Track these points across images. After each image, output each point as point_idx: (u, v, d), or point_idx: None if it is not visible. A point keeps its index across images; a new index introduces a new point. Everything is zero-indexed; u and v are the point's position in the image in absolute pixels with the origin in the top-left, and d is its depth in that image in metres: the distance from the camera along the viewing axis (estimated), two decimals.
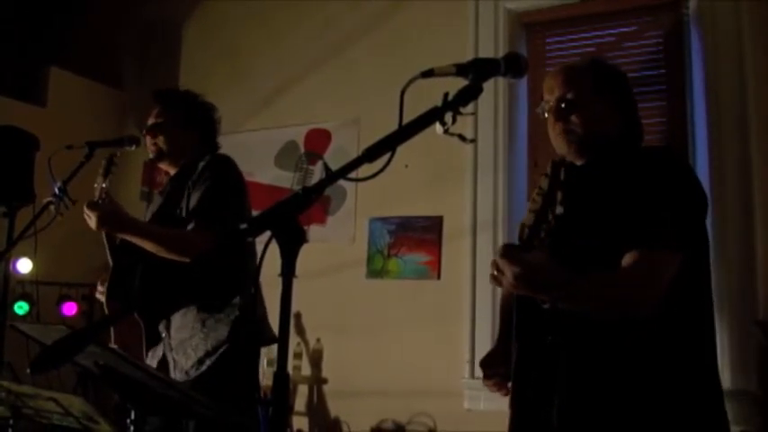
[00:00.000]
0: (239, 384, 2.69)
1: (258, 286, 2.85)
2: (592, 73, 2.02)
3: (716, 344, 1.93)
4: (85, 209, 2.68)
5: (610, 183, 1.91)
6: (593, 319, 1.83)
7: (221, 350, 2.72)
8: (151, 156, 2.97)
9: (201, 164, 2.85)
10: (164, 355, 2.82)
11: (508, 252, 1.73)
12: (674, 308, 1.80)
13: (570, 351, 1.87)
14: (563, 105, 1.98)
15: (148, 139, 2.95)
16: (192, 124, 2.97)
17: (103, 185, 2.80)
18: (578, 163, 2.02)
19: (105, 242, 2.83)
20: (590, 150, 1.98)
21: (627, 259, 1.78)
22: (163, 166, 3.01)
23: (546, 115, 2.04)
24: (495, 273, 1.75)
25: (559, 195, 1.79)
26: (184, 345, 2.77)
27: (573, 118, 1.97)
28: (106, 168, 2.85)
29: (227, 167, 2.88)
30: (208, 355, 2.72)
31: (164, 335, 2.82)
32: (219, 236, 2.65)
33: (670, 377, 1.81)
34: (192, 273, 2.65)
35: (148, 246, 2.67)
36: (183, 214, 2.78)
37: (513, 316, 2.04)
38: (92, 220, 2.66)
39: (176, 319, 2.80)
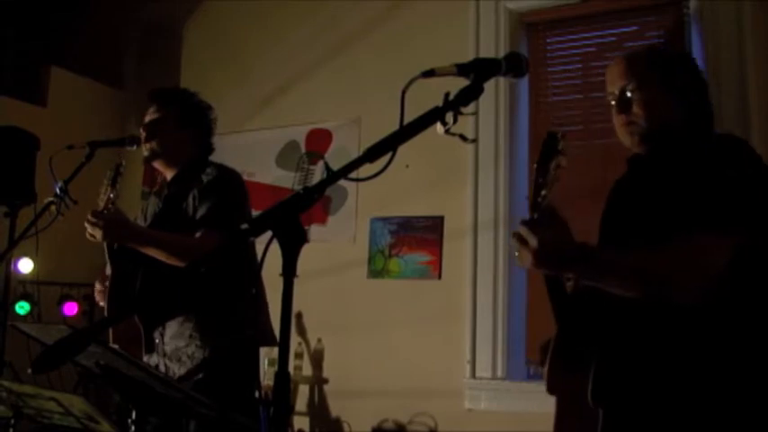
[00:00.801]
0: (238, 391, 2.67)
1: (262, 289, 2.84)
2: (653, 61, 1.98)
3: None
4: (90, 218, 2.63)
5: (668, 172, 1.85)
6: (635, 303, 1.75)
7: (219, 358, 2.71)
8: (145, 154, 2.94)
9: (208, 176, 2.83)
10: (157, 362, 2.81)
11: (528, 223, 1.68)
12: (732, 296, 1.70)
13: (606, 335, 1.82)
14: (624, 97, 1.95)
15: (143, 139, 2.93)
16: (187, 124, 2.93)
17: (111, 195, 2.74)
18: (643, 154, 1.98)
19: (105, 247, 2.81)
20: (653, 141, 1.94)
21: (687, 238, 1.69)
22: (156, 165, 2.97)
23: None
24: (519, 246, 1.68)
25: (553, 164, 1.71)
26: (179, 352, 2.75)
27: (635, 109, 1.93)
28: (113, 178, 2.79)
29: (235, 180, 2.89)
30: (205, 363, 2.71)
31: (157, 341, 2.81)
32: (222, 237, 2.64)
33: (722, 363, 1.71)
34: (191, 279, 2.63)
35: (155, 254, 2.65)
36: (187, 221, 2.76)
37: (551, 298, 1.96)
38: (96, 230, 2.61)
39: (172, 326, 2.78)
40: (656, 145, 1.94)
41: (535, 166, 1.74)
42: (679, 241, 1.69)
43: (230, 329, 2.74)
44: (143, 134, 2.93)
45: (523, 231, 1.66)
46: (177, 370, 2.74)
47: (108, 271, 2.86)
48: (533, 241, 1.63)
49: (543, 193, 1.70)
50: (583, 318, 1.90)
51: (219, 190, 2.80)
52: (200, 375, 2.70)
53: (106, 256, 2.81)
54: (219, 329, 2.74)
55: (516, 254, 1.70)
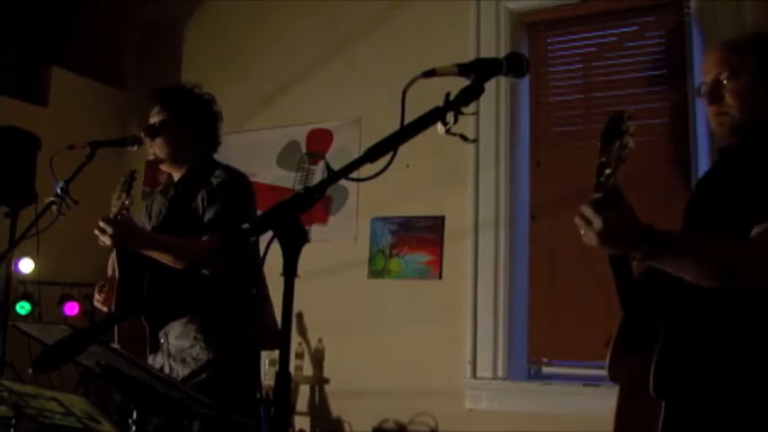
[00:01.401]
0: (240, 392, 2.67)
1: (266, 291, 2.84)
2: (750, 49, 1.91)
3: None
4: (100, 224, 2.63)
5: (757, 166, 1.80)
6: (695, 291, 1.71)
7: (222, 360, 2.72)
8: (150, 157, 2.95)
9: (217, 179, 2.83)
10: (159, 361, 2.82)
11: (594, 203, 1.64)
12: None
13: (670, 322, 1.78)
14: (715, 87, 1.90)
15: (147, 142, 2.93)
16: (188, 122, 2.93)
17: (126, 201, 2.73)
18: (731, 146, 1.95)
19: (114, 251, 2.80)
20: (744, 133, 1.89)
21: (754, 232, 1.66)
22: (164, 167, 2.99)
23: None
24: (583, 224, 1.65)
25: (617, 144, 1.67)
26: (183, 353, 2.76)
27: (727, 99, 1.89)
28: (128, 184, 2.78)
29: (243, 184, 2.90)
30: (209, 365, 2.72)
31: (162, 341, 2.81)
32: (225, 237, 2.64)
33: None
34: (196, 281, 2.62)
35: (163, 259, 2.65)
36: (196, 222, 2.76)
37: (616, 282, 1.92)
38: (106, 236, 2.62)
39: (176, 327, 2.79)
40: (748, 137, 1.89)
41: (599, 145, 1.70)
42: (757, 234, 1.65)
43: (234, 331, 2.75)
44: (145, 137, 2.92)
45: (587, 212, 1.63)
46: (181, 371, 2.74)
47: (109, 273, 2.87)
48: (597, 221, 1.60)
49: (608, 172, 1.66)
50: (648, 302, 1.85)
51: (228, 193, 2.80)
52: (204, 376, 2.70)
53: (114, 258, 2.81)
54: (223, 331, 2.75)
55: (582, 232, 1.66)
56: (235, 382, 2.69)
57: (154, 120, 2.93)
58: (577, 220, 1.66)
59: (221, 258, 2.57)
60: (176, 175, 2.98)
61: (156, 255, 2.66)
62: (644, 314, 1.86)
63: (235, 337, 2.74)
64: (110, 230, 2.60)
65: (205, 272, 2.58)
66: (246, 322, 2.77)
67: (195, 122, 2.94)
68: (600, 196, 1.64)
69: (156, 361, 2.81)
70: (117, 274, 2.78)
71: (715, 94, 1.91)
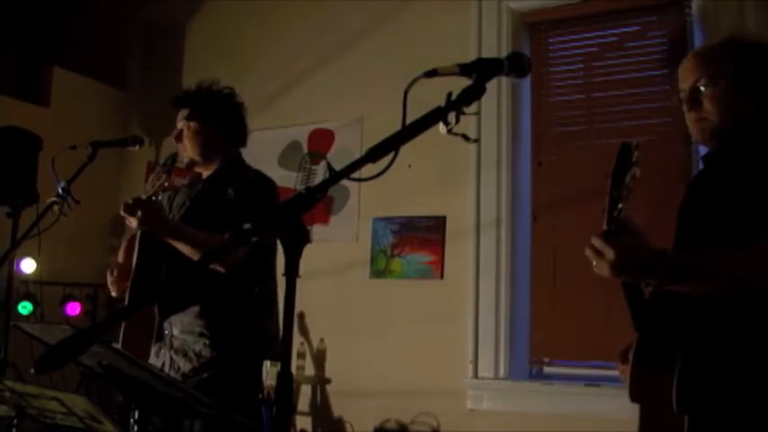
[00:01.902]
0: (241, 393, 2.66)
1: (275, 303, 2.84)
2: (727, 55, 1.92)
3: None
4: (131, 203, 2.59)
5: (744, 170, 1.81)
6: (713, 305, 1.73)
7: (223, 360, 2.72)
8: (185, 162, 2.93)
9: (247, 179, 2.86)
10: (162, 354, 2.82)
11: (604, 234, 1.67)
12: None
13: (690, 340, 1.78)
14: (694, 94, 1.92)
15: (179, 145, 2.94)
16: (216, 120, 2.95)
17: (165, 183, 2.70)
18: (713, 150, 1.96)
19: (137, 238, 2.78)
20: (724, 138, 1.90)
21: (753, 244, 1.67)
22: (198, 169, 2.99)
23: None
24: (594, 256, 1.67)
25: (628, 175, 1.69)
26: (186, 347, 2.76)
27: (705, 105, 1.90)
28: (169, 166, 2.75)
29: (271, 188, 2.91)
30: (210, 362, 2.72)
31: (167, 332, 2.82)
32: (228, 237, 2.64)
33: None
34: (211, 277, 2.61)
35: (187, 251, 2.63)
36: (222, 213, 2.76)
37: (629, 305, 1.93)
38: (133, 219, 2.58)
39: (184, 320, 2.79)
40: (729, 142, 1.90)
41: (609, 180, 1.72)
42: (759, 244, 1.66)
43: (240, 334, 2.75)
44: (177, 142, 2.93)
45: (598, 244, 1.66)
46: (182, 365, 2.74)
47: (120, 259, 2.87)
48: (610, 252, 1.63)
49: (620, 206, 1.68)
50: (662, 322, 1.87)
51: (254, 194, 2.82)
52: (205, 375, 2.70)
53: (125, 245, 2.79)
54: (229, 331, 2.75)
55: (594, 264, 1.69)
56: (238, 383, 2.69)
57: (180, 124, 2.95)
58: (588, 252, 1.69)
59: (236, 256, 2.59)
60: (206, 174, 2.98)
61: (178, 245, 2.64)
62: (659, 333, 1.87)
63: (239, 341, 2.74)
64: (139, 213, 2.56)
65: (219, 268, 2.59)
66: (253, 327, 2.77)
67: (221, 119, 2.97)
68: (610, 228, 1.67)
69: (160, 353, 2.81)
70: (135, 259, 2.76)
71: (694, 100, 1.92)
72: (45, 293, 4.43)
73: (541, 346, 3.88)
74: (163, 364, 2.77)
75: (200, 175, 3.02)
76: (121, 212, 2.61)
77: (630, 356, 1.91)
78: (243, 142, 3.05)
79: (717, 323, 1.76)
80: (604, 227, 1.68)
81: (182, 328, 2.79)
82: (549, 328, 3.82)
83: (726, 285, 1.70)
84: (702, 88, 1.90)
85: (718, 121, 1.88)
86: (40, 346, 1.87)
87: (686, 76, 1.95)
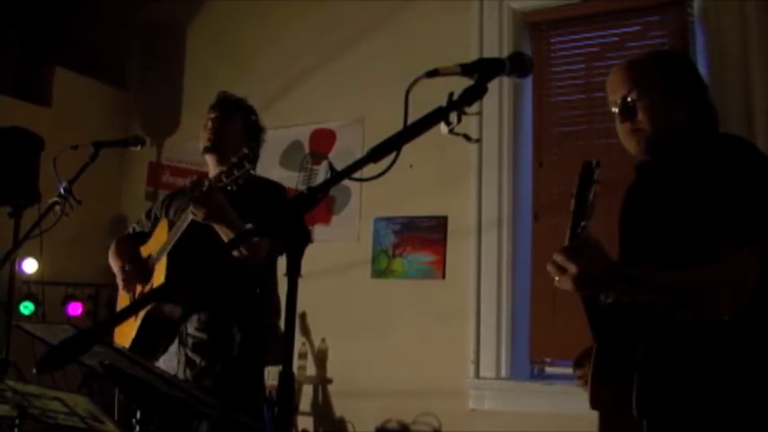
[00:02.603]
0: (249, 389, 2.69)
1: (278, 306, 2.85)
2: (655, 67, 1.99)
3: None
4: (203, 193, 2.58)
5: (678, 177, 1.87)
6: (669, 318, 1.80)
7: (234, 359, 2.74)
8: (207, 144, 2.93)
9: (263, 183, 2.90)
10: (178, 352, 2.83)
11: (566, 250, 1.73)
12: (758, 298, 1.73)
13: (648, 348, 1.84)
14: (627, 105, 1.97)
15: (207, 131, 2.94)
16: (250, 138, 2.99)
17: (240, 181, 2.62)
18: (649, 159, 2.00)
19: (183, 223, 2.75)
20: (659, 146, 1.95)
21: (713, 257, 1.72)
22: (208, 157, 2.98)
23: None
24: (557, 272, 1.73)
25: (591, 193, 1.76)
26: (203, 344, 2.78)
27: (639, 116, 1.95)
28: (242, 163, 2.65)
29: (283, 193, 2.96)
30: (224, 359, 2.74)
31: (183, 331, 2.82)
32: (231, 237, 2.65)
33: (759, 370, 1.74)
34: (232, 277, 2.61)
35: (227, 235, 2.63)
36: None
37: (588, 316, 2.00)
38: (200, 210, 2.58)
39: (200, 318, 2.80)
40: (663, 150, 1.95)
41: (573, 198, 1.79)
42: (718, 258, 1.71)
43: (253, 331, 2.77)
44: (210, 128, 2.93)
45: (560, 259, 1.72)
46: (199, 362, 2.77)
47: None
48: (572, 268, 1.70)
49: (583, 224, 1.75)
50: (621, 331, 1.92)
51: (276, 196, 2.87)
52: (218, 368, 2.73)
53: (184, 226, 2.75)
54: (243, 329, 2.77)
55: (556, 279, 1.74)
56: (244, 380, 2.72)
57: (218, 117, 2.97)
58: (550, 268, 1.75)
59: (264, 249, 2.62)
60: (213, 172, 2.95)
61: (226, 235, 2.64)
62: (617, 342, 1.93)
63: (252, 340, 2.77)
64: (204, 203, 2.57)
65: (249, 258, 2.61)
66: (265, 327, 2.80)
67: (253, 139, 3.01)
68: (571, 244, 1.73)
69: (177, 351, 2.82)
70: (169, 246, 2.75)
71: (628, 111, 1.97)
72: (47, 293, 4.43)
73: (543, 346, 3.88)
74: (178, 362, 2.78)
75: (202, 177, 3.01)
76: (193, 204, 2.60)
77: (590, 366, 1.96)
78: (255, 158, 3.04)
79: (674, 331, 1.82)
80: (566, 243, 1.75)
81: (196, 325, 2.80)
82: (551, 328, 3.82)
83: (678, 303, 1.77)
84: (635, 100, 1.95)
85: (652, 130, 1.94)
86: (42, 346, 1.87)
87: (616, 88, 2.01)
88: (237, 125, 2.98)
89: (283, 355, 1.34)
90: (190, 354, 2.78)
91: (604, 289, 1.77)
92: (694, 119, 1.96)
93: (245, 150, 2.57)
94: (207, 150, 2.95)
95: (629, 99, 1.96)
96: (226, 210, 2.63)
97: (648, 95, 1.95)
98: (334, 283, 4.21)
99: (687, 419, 1.78)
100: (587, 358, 2.25)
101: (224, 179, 2.53)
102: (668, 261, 1.77)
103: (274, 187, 2.96)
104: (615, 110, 2.00)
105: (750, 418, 1.72)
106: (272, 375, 3.69)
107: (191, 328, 2.81)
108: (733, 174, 1.77)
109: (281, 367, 1.33)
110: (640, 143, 1.96)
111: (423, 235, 4.13)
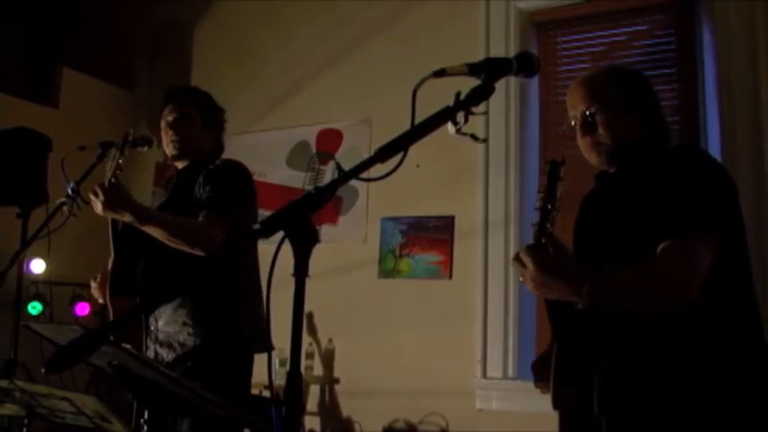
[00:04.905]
0: (227, 384, 2.61)
1: (259, 288, 2.83)
2: (611, 82, 2.06)
3: (762, 329, 1.88)
4: (95, 189, 2.59)
5: (634, 185, 1.95)
6: (631, 317, 1.83)
7: (209, 350, 2.71)
8: (173, 152, 2.93)
9: (216, 165, 2.86)
10: (148, 347, 2.81)
11: (530, 248, 1.76)
12: (714, 296, 1.77)
13: (609, 349, 1.90)
14: (588, 120, 2.03)
15: (170, 135, 2.92)
16: (209, 125, 2.98)
17: (120, 161, 2.67)
18: (610, 171, 2.07)
19: (110, 230, 2.79)
20: (620, 158, 2.02)
21: (659, 251, 1.77)
22: (178, 164, 2.99)
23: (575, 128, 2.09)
24: (520, 268, 1.77)
25: (558, 191, 1.83)
26: (170, 339, 2.76)
27: (600, 130, 2.01)
28: (122, 145, 2.73)
29: (240, 169, 2.90)
30: (194, 352, 2.71)
31: (152, 327, 2.81)
32: (231, 237, 2.63)
33: (714, 366, 1.79)
34: (193, 265, 2.60)
35: (157, 233, 2.62)
36: (195, 206, 2.75)
37: (550, 319, 2.06)
38: (97, 203, 2.57)
39: (167, 312, 2.78)
40: (624, 161, 2.03)
41: (541, 194, 1.85)
42: (668, 251, 1.76)
43: (224, 322, 2.75)
44: (172, 130, 2.92)
45: (523, 256, 1.76)
46: (167, 356, 2.74)
47: (110, 266, 2.88)
48: (531, 266, 1.74)
49: (552, 217, 1.81)
50: (581, 333, 1.96)
51: (223, 176, 2.82)
52: (189, 364, 2.70)
53: (110, 240, 2.80)
54: (213, 320, 2.74)
55: (520, 278, 1.80)
56: (221, 371, 2.66)
57: (177, 114, 2.94)
58: (514, 264, 1.80)
59: (213, 236, 2.60)
60: (181, 167, 3.00)
61: (149, 229, 2.63)
62: (578, 344, 1.98)
63: (227, 328, 2.74)
64: (101, 196, 2.55)
65: (198, 251, 2.59)
66: (239, 317, 2.77)
67: (214, 126, 3.00)
68: (542, 241, 1.77)
69: (147, 347, 2.80)
70: (112, 255, 2.78)
71: (588, 126, 2.04)
72: (54, 294, 4.44)
73: None
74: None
75: (175, 172, 3.04)
76: (90, 196, 2.61)
77: (552, 367, 2.01)
78: (221, 152, 3.04)
79: (635, 334, 1.86)
80: (532, 241, 1.79)
81: (165, 320, 2.78)
82: None
83: (632, 303, 1.80)
84: (594, 114, 2.02)
85: (613, 143, 2.01)
86: (50, 347, 1.87)
87: (576, 103, 2.09)
88: (196, 120, 2.95)
89: (291, 356, 1.34)
90: (158, 349, 2.77)
91: (560, 292, 1.76)
92: (649, 131, 2.03)
93: (126, 132, 2.70)
94: (175, 159, 2.97)
95: (588, 114, 2.03)
96: (121, 198, 2.59)
97: (607, 110, 2.01)
98: (341, 283, 4.21)
99: (645, 416, 1.82)
100: (544, 369, 2.25)
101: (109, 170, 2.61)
102: (623, 262, 1.83)
103: (233, 166, 2.90)
104: (576, 124, 2.07)
105: (707, 412, 1.76)
106: (279, 375, 3.70)
107: (160, 322, 2.79)
108: (684, 178, 1.84)
109: (288, 367, 1.33)
110: (601, 155, 2.03)
111: (430, 235, 4.13)
